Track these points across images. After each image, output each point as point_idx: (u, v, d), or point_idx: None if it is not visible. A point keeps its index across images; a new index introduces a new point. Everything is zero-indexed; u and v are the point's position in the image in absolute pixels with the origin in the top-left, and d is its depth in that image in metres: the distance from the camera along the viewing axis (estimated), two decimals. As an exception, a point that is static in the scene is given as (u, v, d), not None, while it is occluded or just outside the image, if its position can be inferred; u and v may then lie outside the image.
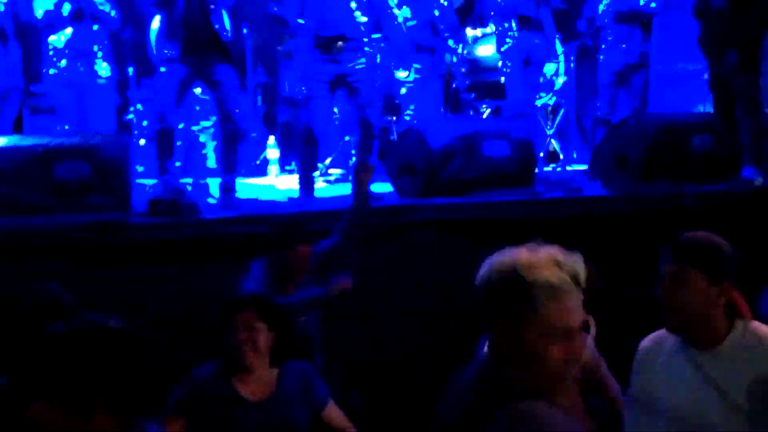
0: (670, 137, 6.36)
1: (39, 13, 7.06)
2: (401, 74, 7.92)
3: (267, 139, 8.40)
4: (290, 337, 3.57)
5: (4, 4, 6.89)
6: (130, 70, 8.11)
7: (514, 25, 7.41)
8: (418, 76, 7.97)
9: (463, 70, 7.97)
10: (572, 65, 8.26)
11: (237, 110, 6.06)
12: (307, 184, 6.36)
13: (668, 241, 2.66)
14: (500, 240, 2.08)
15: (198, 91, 7.16)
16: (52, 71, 7.22)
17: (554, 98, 8.00)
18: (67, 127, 7.14)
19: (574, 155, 8.14)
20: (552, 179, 6.83)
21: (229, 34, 6.01)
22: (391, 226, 5.55)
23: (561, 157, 7.74)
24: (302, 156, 6.52)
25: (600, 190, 6.50)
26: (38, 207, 5.20)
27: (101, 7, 7.16)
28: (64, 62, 7.15)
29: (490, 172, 6.14)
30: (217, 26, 5.86)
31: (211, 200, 6.19)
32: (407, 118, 7.82)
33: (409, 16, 7.93)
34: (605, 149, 6.63)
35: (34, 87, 7.59)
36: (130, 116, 8.05)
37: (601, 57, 7.43)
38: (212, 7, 5.84)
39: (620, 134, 6.57)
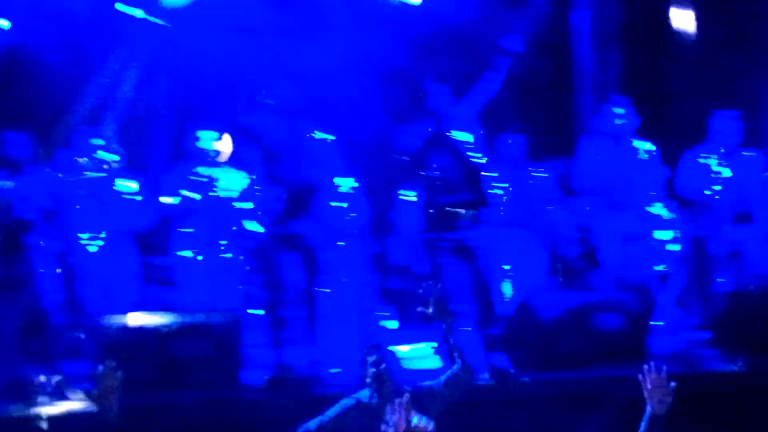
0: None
1: None
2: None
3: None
4: None
5: None
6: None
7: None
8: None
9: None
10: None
11: None
12: None
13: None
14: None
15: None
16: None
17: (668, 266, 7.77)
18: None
19: (693, 325, 7.85)
20: (669, 352, 6.57)
21: None
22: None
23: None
24: None
25: (722, 363, 6.24)
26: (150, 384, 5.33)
27: None
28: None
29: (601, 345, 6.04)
30: None
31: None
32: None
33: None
34: (728, 318, 6.47)
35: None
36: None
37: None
38: None
39: (743, 302, 6.44)
